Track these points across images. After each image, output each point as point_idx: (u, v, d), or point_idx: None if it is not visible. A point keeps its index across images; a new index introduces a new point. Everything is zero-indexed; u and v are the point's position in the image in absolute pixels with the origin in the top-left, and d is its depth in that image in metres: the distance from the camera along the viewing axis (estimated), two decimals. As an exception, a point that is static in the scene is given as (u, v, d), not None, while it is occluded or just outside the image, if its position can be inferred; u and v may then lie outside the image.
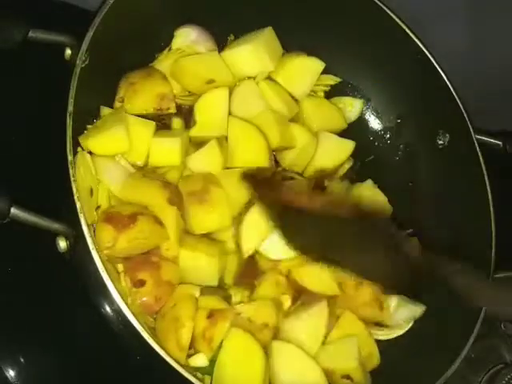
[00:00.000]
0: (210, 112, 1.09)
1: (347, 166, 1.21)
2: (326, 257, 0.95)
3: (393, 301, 1.11)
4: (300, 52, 1.20)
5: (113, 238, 0.90)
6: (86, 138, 0.94)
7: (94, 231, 0.90)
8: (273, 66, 1.15)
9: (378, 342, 1.09)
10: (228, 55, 1.13)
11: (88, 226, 0.82)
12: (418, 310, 1.12)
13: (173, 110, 1.07)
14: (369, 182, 1.16)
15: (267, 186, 1.01)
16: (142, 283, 0.93)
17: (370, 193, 1.15)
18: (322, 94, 1.25)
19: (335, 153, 1.19)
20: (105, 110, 1.03)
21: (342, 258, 0.90)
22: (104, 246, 0.89)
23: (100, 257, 0.81)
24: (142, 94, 1.05)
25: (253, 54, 1.13)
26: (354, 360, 1.00)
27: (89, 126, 0.96)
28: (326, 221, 0.91)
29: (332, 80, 1.25)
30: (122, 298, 0.80)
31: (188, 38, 1.11)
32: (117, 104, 1.05)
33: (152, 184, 0.98)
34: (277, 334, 1.01)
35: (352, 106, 1.26)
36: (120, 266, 0.94)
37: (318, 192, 1.07)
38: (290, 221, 0.94)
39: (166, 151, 1.03)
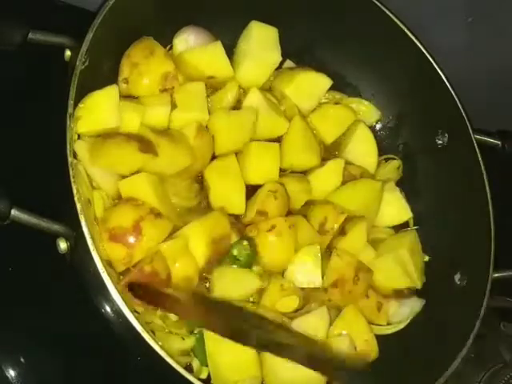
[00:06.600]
0: (188, 102, 1.08)
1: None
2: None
3: (392, 306, 1.12)
4: (308, 68, 1.20)
5: (127, 255, 0.91)
6: (78, 124, 0.92)
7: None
8: (278, 56, 1.15)
9: (378, 338, 1.09)
10: (237, 76, 1.14)
11: (88, 227, 0.82)
12: (417, 304, 1.12)
13: (176, 88, 1.06)
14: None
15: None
16: None
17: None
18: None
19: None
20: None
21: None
22: (121, 263, 0.90)
23: (100, 257, 0.81)
24: (146, 77, 1.04)
25: (255, 63, 1.14)
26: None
27: (80, 105, 0.93)
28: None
29: (339, 96, 1.26)
30: (122, 299, 0.81)
31: (187, 44, 1.11)
32: (121, 85, 1.04)
33: (116, 140, 0.95)
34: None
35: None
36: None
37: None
38: None
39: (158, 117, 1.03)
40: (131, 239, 0.91)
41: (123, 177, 0.97)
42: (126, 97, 1.03)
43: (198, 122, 1.06)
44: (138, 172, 0.97)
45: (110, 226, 0.91)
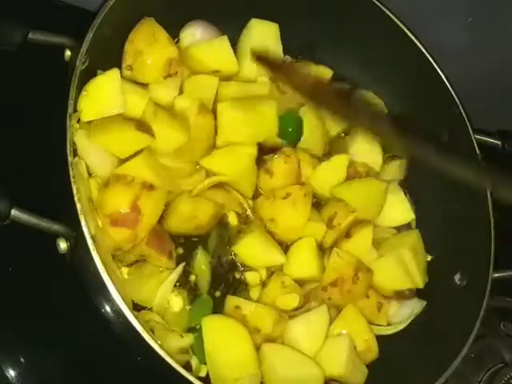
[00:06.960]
0: (196, 91, 1.08)
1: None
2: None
3: (392, 306, 1.12)
4: (308, 61, 1.21)
5: (131, 235, 0.92)
6: (82, 113, 0.92)
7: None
8: (280, 52, 1.16)
9: (378, 338, 1.09)
10: (239, 74, 1.14)
11: (88, 226, 0.82)
12: (418, 305, 1.12)
13: (180, 73, 1.07)
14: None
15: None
16: None
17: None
18: None
19: None
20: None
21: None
22: (127, 243, 0.92)
23: (100, 257, 0.81)
24: (150, 64, 1.04)
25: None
26: (341, 366, 1.01)
27: (83, 93, 0.92)
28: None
29: (342, 86, 1.25)
30: (122, 299, 0.81)
31: (193, 38, 1.11)
32: (125, 72, 1.03)
33: (115, 120, 0.95)
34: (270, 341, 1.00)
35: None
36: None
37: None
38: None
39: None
40: (133, 221, 0.92)
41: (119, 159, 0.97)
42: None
43: (201, 102, 1.05)
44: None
45: (108, 212, 0.91)
